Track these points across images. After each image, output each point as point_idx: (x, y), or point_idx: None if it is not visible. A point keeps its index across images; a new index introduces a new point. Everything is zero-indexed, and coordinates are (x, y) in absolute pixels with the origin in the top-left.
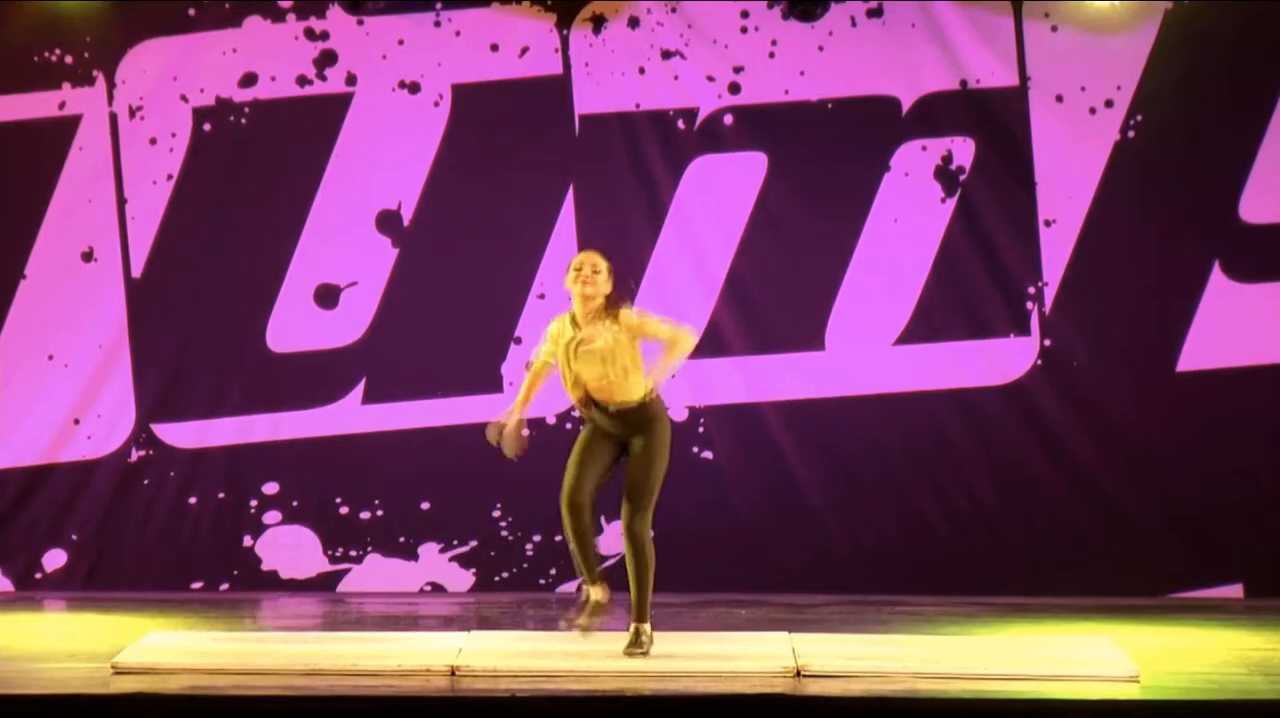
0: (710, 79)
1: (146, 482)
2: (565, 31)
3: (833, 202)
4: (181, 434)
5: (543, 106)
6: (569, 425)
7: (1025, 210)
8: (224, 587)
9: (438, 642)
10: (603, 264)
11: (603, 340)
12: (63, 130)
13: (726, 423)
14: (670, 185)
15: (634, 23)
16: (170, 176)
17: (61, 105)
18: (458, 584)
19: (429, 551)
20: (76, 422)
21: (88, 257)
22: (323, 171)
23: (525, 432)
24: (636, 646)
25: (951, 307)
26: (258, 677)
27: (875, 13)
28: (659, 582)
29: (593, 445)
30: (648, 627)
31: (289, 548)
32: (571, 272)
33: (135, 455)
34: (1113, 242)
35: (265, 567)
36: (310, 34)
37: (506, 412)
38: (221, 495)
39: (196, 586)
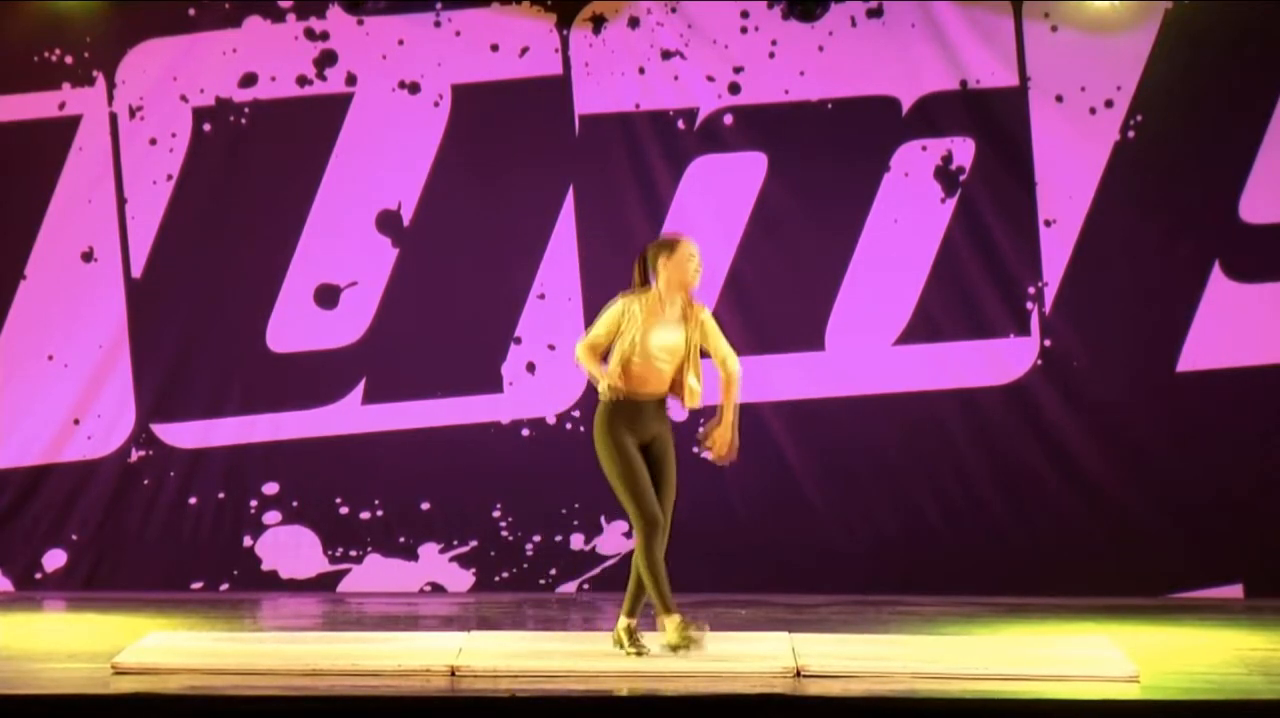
0: (710, 79)
1: (146, 482)
2: (565, 31)
3: (833, 202)
4: (181, 434)
5: (543, 106)
6: (568, 425)
7: (1025, 210)
8: (224, 587)
9: (438, 642)
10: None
11: (681, 336)
12: (63, 130)
13: None
14: (670, 185)
15: (634, 23)
16: (170, 177)
17: (61, 105)
18: (458, 584)
19: (429, 551)
20: (76, 422)
21: (88, 257)
22: (323, 171)
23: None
24: (686, 644)
25: (951, 307)
26: (258, 677)
27: (875, 13)
28: None
29: (638, 457)
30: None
31: (289, 548)
32: (684, 261)
33: (135, 455)
34: (1113, 242)
35: (265, 567)
36: (310, 34)
37: (612, 379)
38: (221, 495)
39: (196, 586)
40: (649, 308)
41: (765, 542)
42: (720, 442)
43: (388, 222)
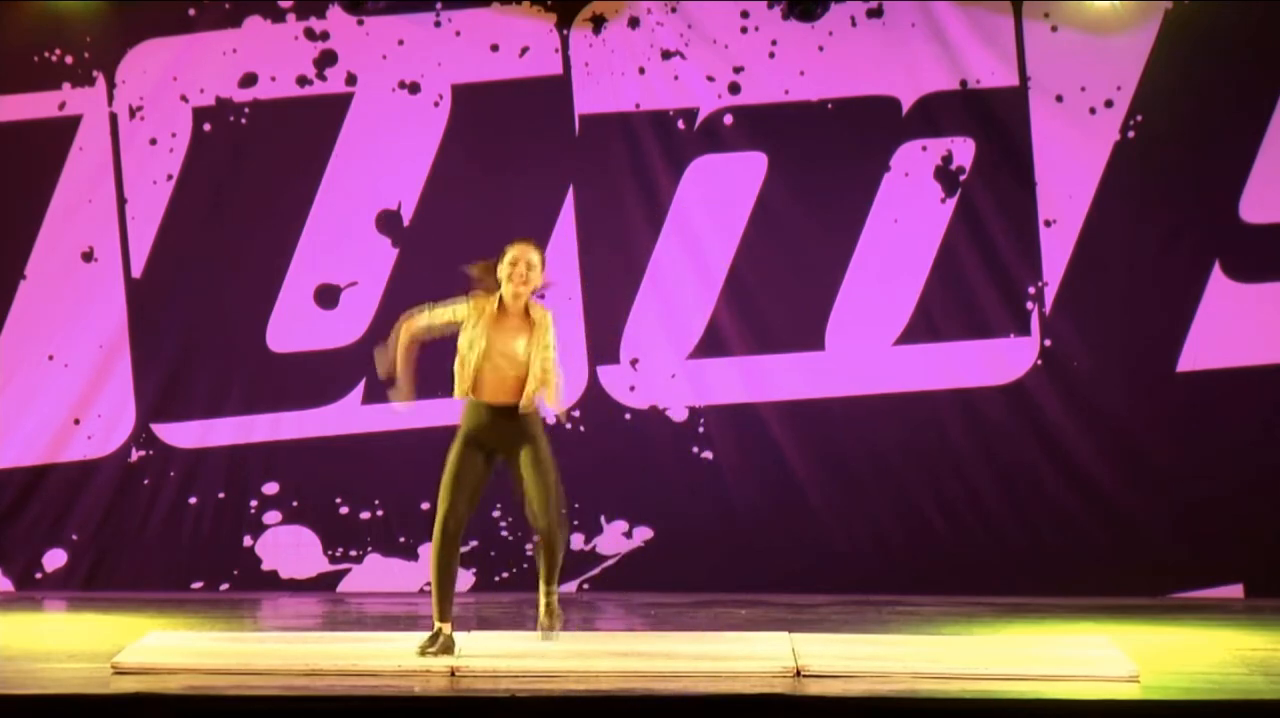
0: (710, 79)
1: (146, 482)
2: (565, 31)
3: (833, 201)
4: (182, 434)
5: (543, 106)
6: (568, 425)
7: (1025, 210)
8: (224, 587)
9: None
10: (536, 259)
11: (523, 342)
12: (63, 130)
13: (726, 423)
14: (670, 185)
15: (634, 23)
16: (170, 176)
17: (61, 105)
18: (458, 584)
19: (429, 550)
20: (76, 422)
21: (88, 257)
22: (323, 172)
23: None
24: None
25: (951, 307)
26: (258, 677)
27: (875, 13)
28: (661, 582)
29: (468, 465)
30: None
31: (289, 548)
32: (506, 265)
33: (135, 455)
34: (1113, 242)
35: (265, 567)
36: (310, 34)
37: (389, 355)
38: (221, 495)
39: (196, 586)
40: (489, 311)
41: (765, 542)
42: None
43: (388, 222)
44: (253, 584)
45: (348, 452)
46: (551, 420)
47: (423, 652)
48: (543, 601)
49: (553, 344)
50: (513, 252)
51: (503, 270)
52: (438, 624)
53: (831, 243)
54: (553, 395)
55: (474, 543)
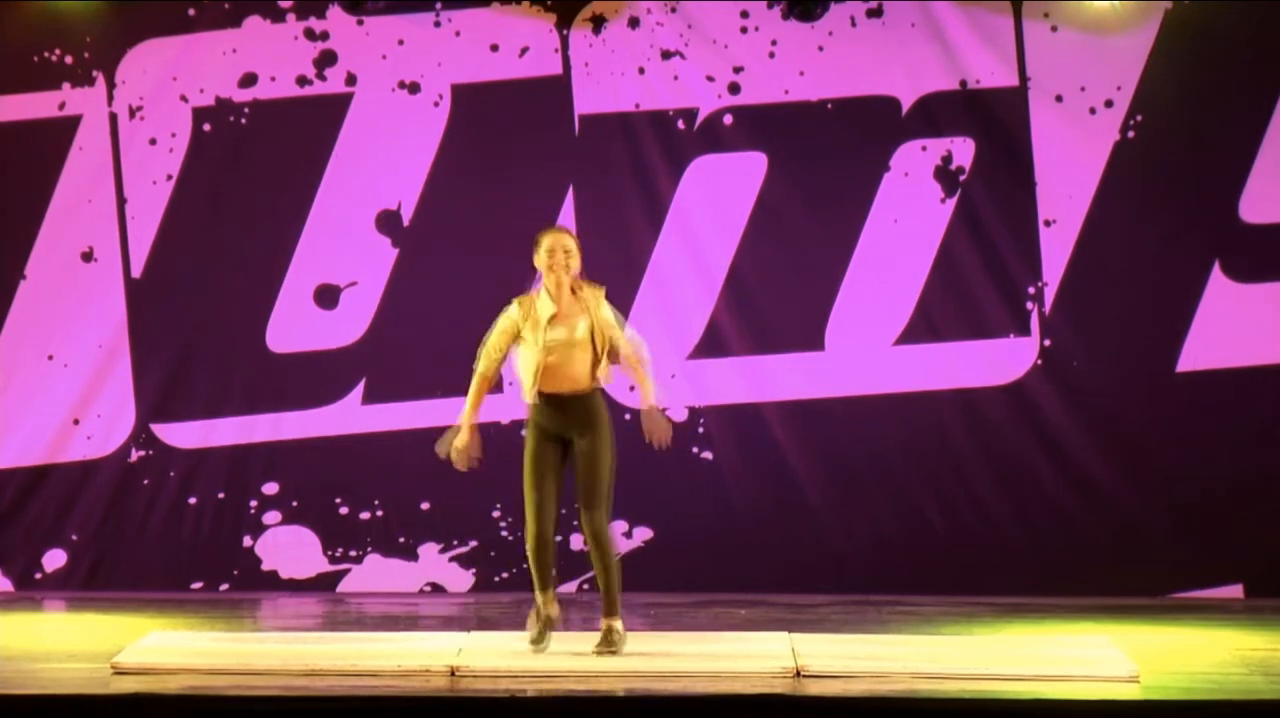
0: (710, 79)
1: (146, 482)
2: (565, 31)
3: (833, 201)
4: (181, 434)
5: (543, 106)
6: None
7: (1025, 210)
8: (224, 587)
9: (438, 642)
10: (573, 244)
11: (583, 325)
12: (63, 130)
13: (726, 423)
14: (670, 185)
15: (634, 23)
16: (170, 177)
17: (61, 105)
18: (458, 584)
19: (429, 551)
20: (76, 422)
21: (88, 257)
22: (323, 172)
23: (478, 441)
24: (608, 643)
25: (951, 307)
26: (258, 677)
27: (875, 13)
28: (661, 582)
29: (545, 459)
30: (619, 623)
31: (289, 548)
32: (543, 254)
33: (135, 455)
34: (1113, 242)
35: (265, 567)
36: (310, 34)
37: (457, 425)
38: (221, 495)
39: (196, 586)
40: (533, 306)
41: (765, 542)
42: (652, 429)
43: (388, 222)
44: (253, 584)
45: (348, 452)
46: (653, 401)
47: (537, 641)
48: (602, 623)
49: (611, 320)
50: (547, 240)
51: (541, 261)
52: (538, 599)
53: (831, 243)
54: (638, 368)
55: (474, 543)
